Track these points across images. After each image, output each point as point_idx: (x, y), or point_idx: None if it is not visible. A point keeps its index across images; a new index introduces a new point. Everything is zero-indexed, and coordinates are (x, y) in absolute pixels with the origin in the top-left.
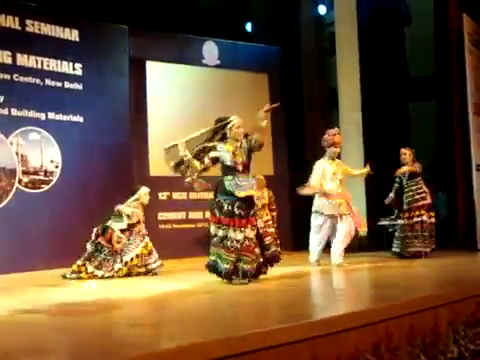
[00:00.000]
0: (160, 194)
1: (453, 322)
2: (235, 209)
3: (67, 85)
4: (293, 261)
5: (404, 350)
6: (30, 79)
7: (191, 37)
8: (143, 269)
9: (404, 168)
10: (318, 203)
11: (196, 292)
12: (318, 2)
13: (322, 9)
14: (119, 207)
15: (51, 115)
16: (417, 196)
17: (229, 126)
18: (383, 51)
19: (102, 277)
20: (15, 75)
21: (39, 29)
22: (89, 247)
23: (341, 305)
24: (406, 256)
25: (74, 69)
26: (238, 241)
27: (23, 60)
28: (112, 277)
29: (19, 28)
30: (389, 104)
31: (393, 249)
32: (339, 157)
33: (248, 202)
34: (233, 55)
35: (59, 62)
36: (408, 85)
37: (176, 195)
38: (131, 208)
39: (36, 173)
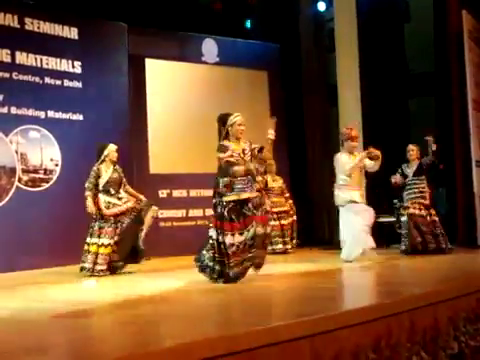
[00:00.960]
0: (160, 192)
1: (453, 318)
2: (226, 212)
3: (66, 83)
4: (293, 258)
5: (404, 347)
6: (29, 77)
7: (190, 34)
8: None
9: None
10: (345, 195)
11: (195, 290)
12: None
13: (321, 6)
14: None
15: (51, 113)
16: (418, 194)
17: (231, 123)
18: (383, 47)
19: (109, 245)
20: (14, 73)
21: (38, 27)
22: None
23: (341, 302)
24: (418, 252)
25: (73, 67)
26: (225, 245)
27: (22, 58)
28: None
29: (18, 26)
30: (389, 100)
31: (401, 247)
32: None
33: (242, 205)
34: (232, 52)
35: (58, 60)
36: (408, 81)
37: (176, 193)
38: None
39: (36, 171)
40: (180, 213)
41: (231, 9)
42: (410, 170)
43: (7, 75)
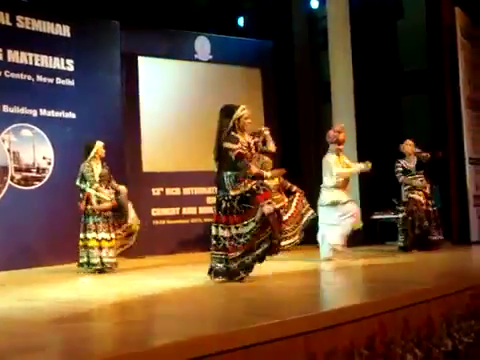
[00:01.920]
0: (153, 190)
1: (447, 315)
2: (235, 204)
3: (59, 81)
4: (287, 256)
5: (398, 344)
6: (21, 75)
7: (183, 32)
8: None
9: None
10: (330, 195)
11: (189, 288)
12: None
13: (314, 3)
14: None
15: (43, 112)
16: (416, 191)
17: (238, 116)
18: (376, 45)
19: (110, 240)
20: (6, 71)
21: (30, 25)
22: (82, 219)
23: (335, 299)
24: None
25: (66, 65)
26: (225, 238)
27: (14, 56)
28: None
29: (10, 24)
30: (382, 98)
31: (399, 244)
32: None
33: (249, 196)
34: (225, 50)
35: (50, 58)
36: (401, 79)
37: (169, 191)
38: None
39: (28, 170)
40: (174, 211)
41: (224, 6)
42: (412, 165)
43: None
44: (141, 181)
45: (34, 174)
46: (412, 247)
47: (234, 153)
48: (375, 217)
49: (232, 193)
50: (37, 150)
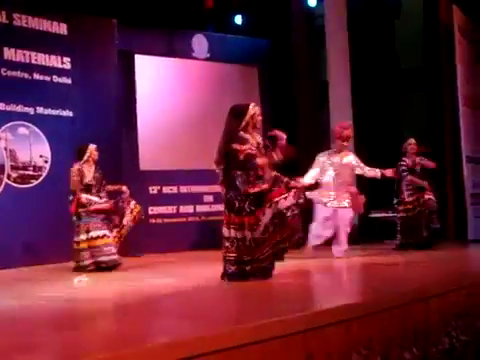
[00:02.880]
0: (150, 188)
1: (444, 314)
2: (246, 205)
3: (55, 79)
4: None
5: (396, 342)
6: (18, 73)
7: (180, 30)
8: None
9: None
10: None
11: (185, 286)
12: None
13: (312, 1)
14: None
15: (40, 109)
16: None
17: (250, 114)
18: (373, 43)
19: (105, 236)
20: (3, 69)
21: (27, 23)
22: (75, 221)
23: (333, 298)
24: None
25: (62, 63)
26: (239, 240)
27: (10, 54)
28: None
29: (6, 22)
30: (380, 96)
31: (397, 242)
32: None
33: (262, 196)
34: (223, 48)
35: (47, 56)
36: (399, 77)
37: (166, 189)
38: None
39: (25, 168)
40: (171, 209)
41: (221, 5)
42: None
43: None
44: (138, 179)
45: (31, 172)
46: (433, 242)
47: (242, 154)
48: (373, 215)
49: (250, 191)
50: (34, 148)
